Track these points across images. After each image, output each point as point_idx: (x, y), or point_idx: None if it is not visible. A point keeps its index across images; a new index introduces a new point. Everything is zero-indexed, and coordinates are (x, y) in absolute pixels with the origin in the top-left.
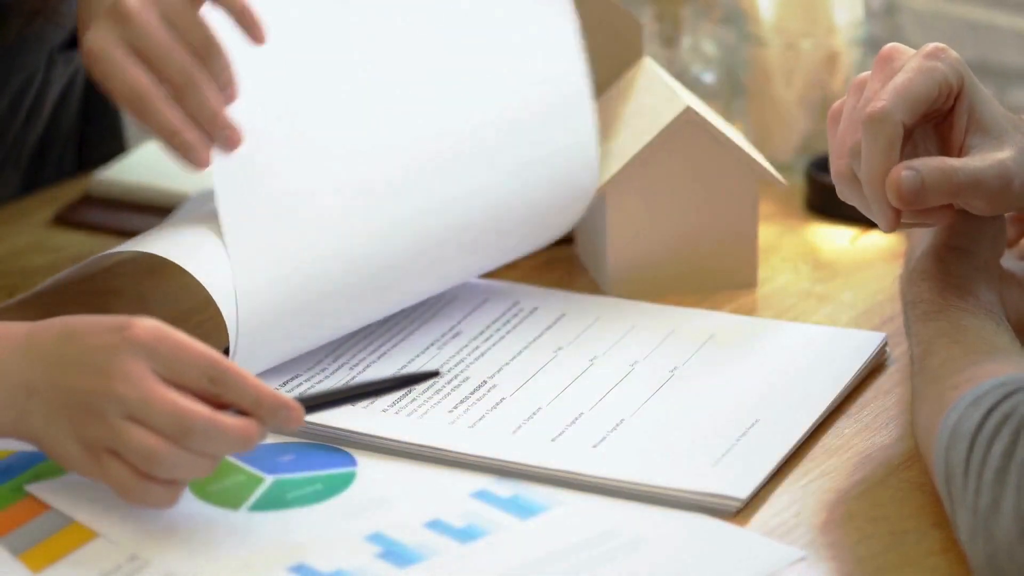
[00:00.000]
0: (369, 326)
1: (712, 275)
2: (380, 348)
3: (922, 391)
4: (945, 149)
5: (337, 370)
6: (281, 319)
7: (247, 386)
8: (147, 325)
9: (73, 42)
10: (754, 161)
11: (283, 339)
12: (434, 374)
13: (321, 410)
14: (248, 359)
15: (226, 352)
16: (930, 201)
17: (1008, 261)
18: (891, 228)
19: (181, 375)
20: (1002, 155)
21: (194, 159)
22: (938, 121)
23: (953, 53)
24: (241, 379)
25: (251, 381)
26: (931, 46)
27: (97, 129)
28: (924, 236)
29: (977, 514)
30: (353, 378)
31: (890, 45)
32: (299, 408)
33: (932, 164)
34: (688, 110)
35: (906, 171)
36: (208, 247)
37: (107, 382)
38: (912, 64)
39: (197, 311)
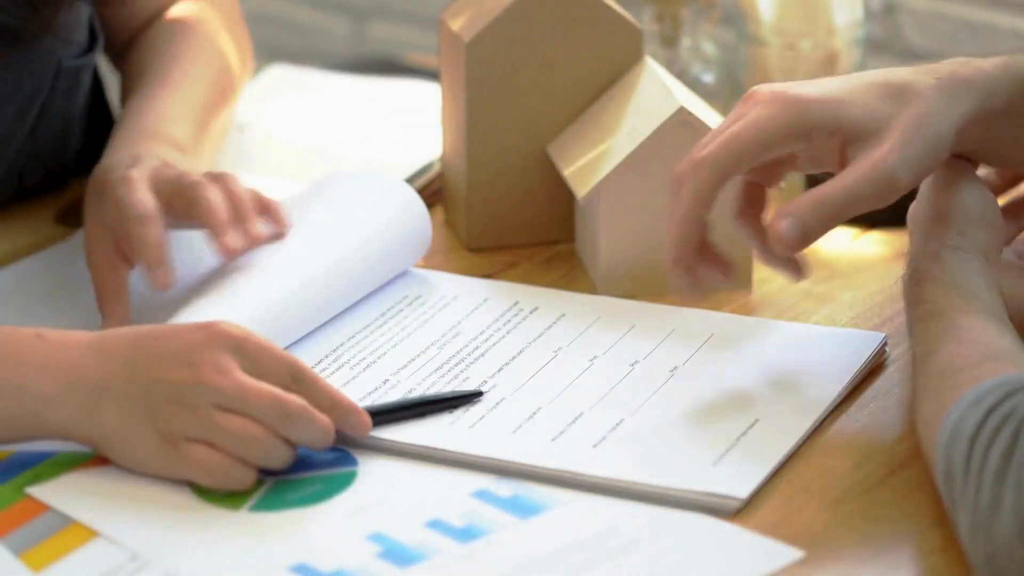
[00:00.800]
0: (370, 327)
1: None
2: (380, 348)
3: (924, 390)
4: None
5: (338, 369)
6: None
7: (325, 388)
8: (231, 325)
9: (80, 52)
10: None
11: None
12: (478, 394)
13: (383, 426)
14: None
15: None
16: (819, 236)
17: (1006, 254)
18: (690, 295)
19: (266, 372)
20: (878, 155)
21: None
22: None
23: (794, 96)
24: (320, 381)
25: (328, 384)
26: (767, 93)
27: (101, 144)
28: (925, 237)
29: (977, 513)
30: (355, 377)
31: (753, 89)
32: (368, 417)
33: (804, 203)
34: (681, 110)
35: (783, 220)
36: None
37: (199, 373)
38: (751, 115)
39: None
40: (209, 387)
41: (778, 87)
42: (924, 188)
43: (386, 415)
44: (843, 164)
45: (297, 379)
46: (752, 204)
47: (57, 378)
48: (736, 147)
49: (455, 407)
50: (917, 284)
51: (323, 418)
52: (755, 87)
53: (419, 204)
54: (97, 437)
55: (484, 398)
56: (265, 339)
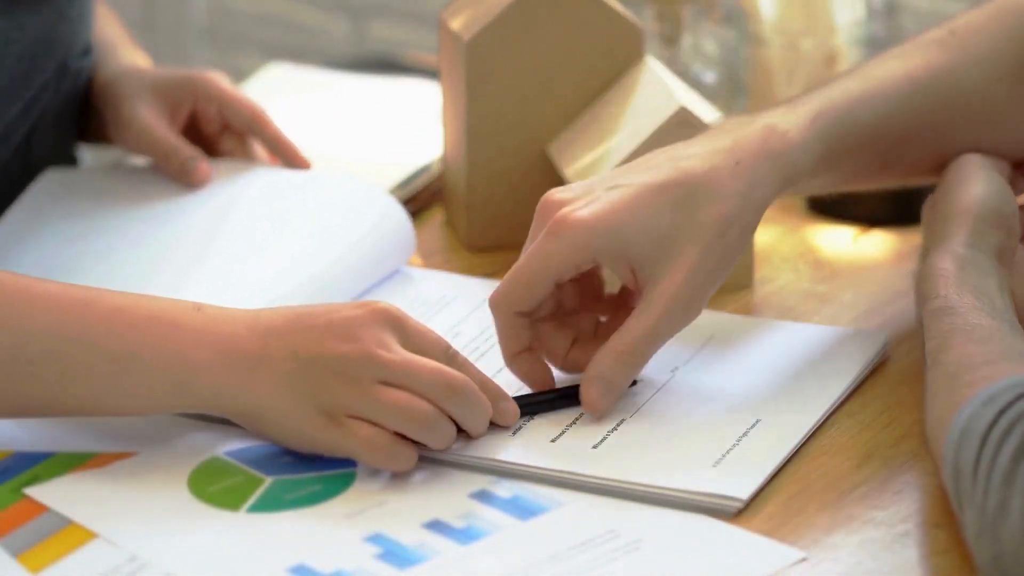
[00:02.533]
0: None
1: None
2: None
3: (935, 387)
4: (595, 293)
5: None
6: None
7: (478, 372)
8: (388, 304)
9: (84, 52)
10: None
11: None
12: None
13: (532, 414)
14: None
15: None
16: (628, 383)
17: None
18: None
19: (424, 351)
20: (672, 288)
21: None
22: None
23: (575, 222)
24: (472, 364)
25: (479, 370)
26: (552, 217)
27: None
28: (940, 233)
29: (984, 514)
30: None
31: (544, 198)
32: (515, 404)
33: (605, 363)
34: (682, 110)
35: (592, 384)
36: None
37: (363, 347)
38: (534, 247)
39: None
40: (374, 361)
41: (566, 205)
42: (943, 182)
43: (531, 405)
44: (638, 286)
45: (452, 359)
46: (520, 340)
47: (213, 346)
48: (521, 287)
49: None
50: (930, 280)
51: (484, 397)
52: (546, 199)
53: (400, 212)
54: (250, 409)
55: None
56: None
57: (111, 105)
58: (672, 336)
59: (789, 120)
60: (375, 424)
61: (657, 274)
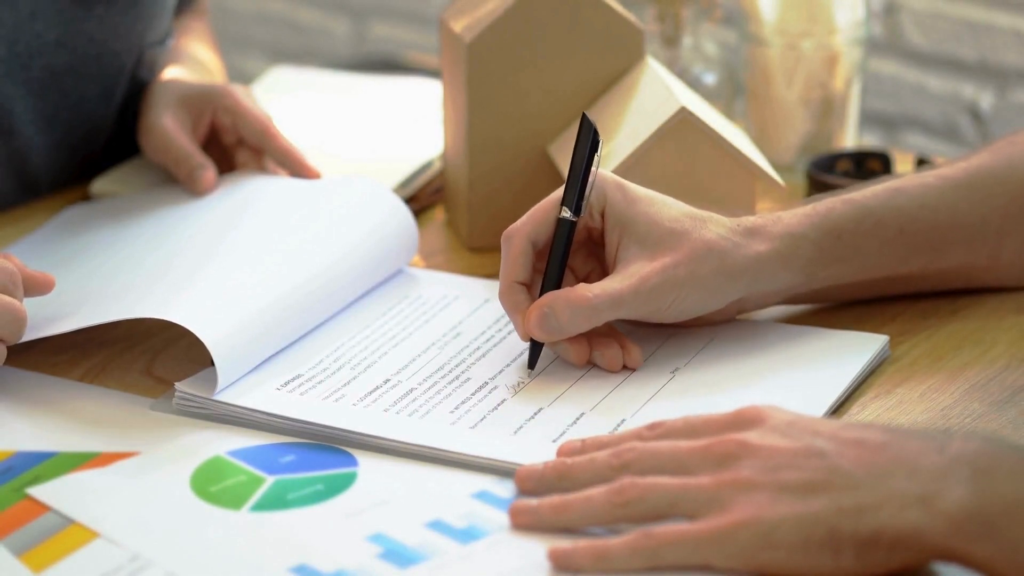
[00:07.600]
0: (371, 328)
1: None
2: (381, 348)
3: None
4: (602, 266)
5: (339, 370)
6: (242, 342)
7: None
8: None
9: (161, 39)
10: (751, 161)
11: (246, 355)
12: None
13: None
14: (226, 369)
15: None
16: (574, 331)
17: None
18: (525, 339)
19: None
20: (648, 269)
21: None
22: (597, 241)
23: (612, 178)
24: None
25: None
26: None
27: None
28: None
29: None
30: (355, 377)
31: None
32: None
33: (562, 297)
34: (683, 110)
35: (538, 310)
36: (185, 303)
37: None
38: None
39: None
40: None
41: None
42: None
43: None
44: (610, 261)
45: None
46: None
47: None
48: (539, 217)
49: None
50: None
51: None
52: None
53: (404, 211)
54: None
55: (485, 399)
56: None
57: (142, 112)
58: (627, 316)
59: (793, 210)
60: None
61: (637, 255)
